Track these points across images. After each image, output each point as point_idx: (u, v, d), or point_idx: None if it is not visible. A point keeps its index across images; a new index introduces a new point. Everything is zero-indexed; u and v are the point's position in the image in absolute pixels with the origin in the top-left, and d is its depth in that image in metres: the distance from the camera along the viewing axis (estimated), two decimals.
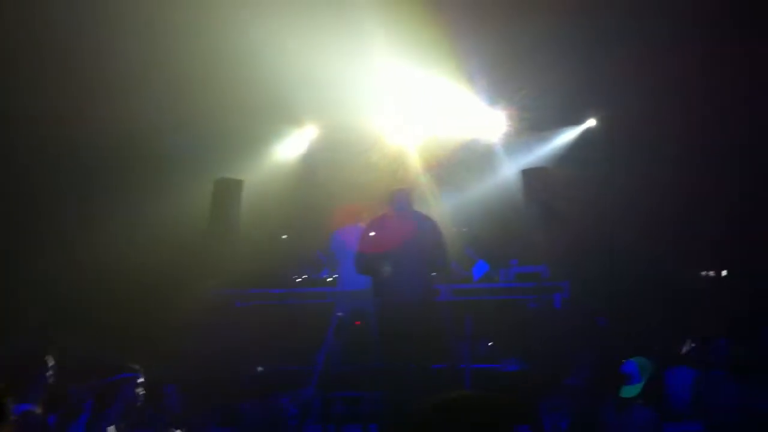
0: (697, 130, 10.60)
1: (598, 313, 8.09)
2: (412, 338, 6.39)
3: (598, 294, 8.81)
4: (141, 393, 4.29)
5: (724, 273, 13.89)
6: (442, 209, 11.90)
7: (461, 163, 12.14)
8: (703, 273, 13.74)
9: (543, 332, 7.71)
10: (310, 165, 11.90)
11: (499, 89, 11.14)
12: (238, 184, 8.81)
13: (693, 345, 6.78)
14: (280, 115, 10.80)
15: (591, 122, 12.58)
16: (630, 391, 5.00)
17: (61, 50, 7.70)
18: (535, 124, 12.04)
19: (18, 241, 8.25)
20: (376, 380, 7.19)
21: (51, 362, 4.01)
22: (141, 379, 4.30)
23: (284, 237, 11.25)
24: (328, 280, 8.99)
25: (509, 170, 10.84)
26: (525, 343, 7.95)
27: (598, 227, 10.00)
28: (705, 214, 10.80)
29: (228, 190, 8.68)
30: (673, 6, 9.20)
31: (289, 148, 11.82)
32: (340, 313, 7.39)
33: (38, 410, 3.84)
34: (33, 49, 7.67)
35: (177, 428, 5.38)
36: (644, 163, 10.64)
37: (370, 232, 6.68)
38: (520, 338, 8.11)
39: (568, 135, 12.76)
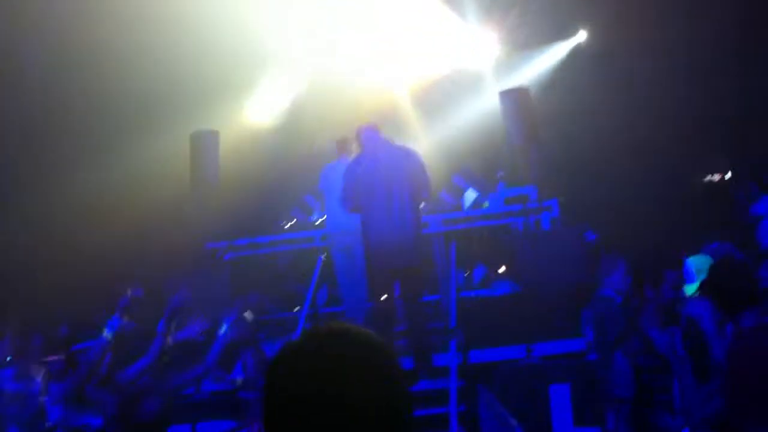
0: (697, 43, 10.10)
1: (587, 228, 7.92)
2: (403, 273, 6.33)
3: (587, 209, 8.64)
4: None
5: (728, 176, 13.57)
6: (432, 141, 11.76)
7: (447, 94, 11.89)
8: (707, 178, 13.45)
9: (532, 254, 7.58)
10: (297, 111, 11.73)
11: (487, 8, 10.89)
12: (215, 135, 8.67)
13: None
14: (260, 63, 10.61)
15: (581, 35, 12.23)
16: (688, 289, 4.76)
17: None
18: (524, 42, 11.74)
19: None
20: (367, 319, 7.18)
21: None
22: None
23: None
24: (316, 223, 8.92)
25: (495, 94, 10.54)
26: (515, 266, 7.87)
27: (584, 143, 9.76)
28: (705, 121, 10.45)
29: (205, 142, 8.55)
30: None
31: (274, 95, 11.65)
32: (323, 256, 7.34)
33: None
34: None
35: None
36: (635, 74, 10.27)
37: (351, 170, 6.55)
38: (511, 262, 8.03)
39: (558, 52, 12.41)
